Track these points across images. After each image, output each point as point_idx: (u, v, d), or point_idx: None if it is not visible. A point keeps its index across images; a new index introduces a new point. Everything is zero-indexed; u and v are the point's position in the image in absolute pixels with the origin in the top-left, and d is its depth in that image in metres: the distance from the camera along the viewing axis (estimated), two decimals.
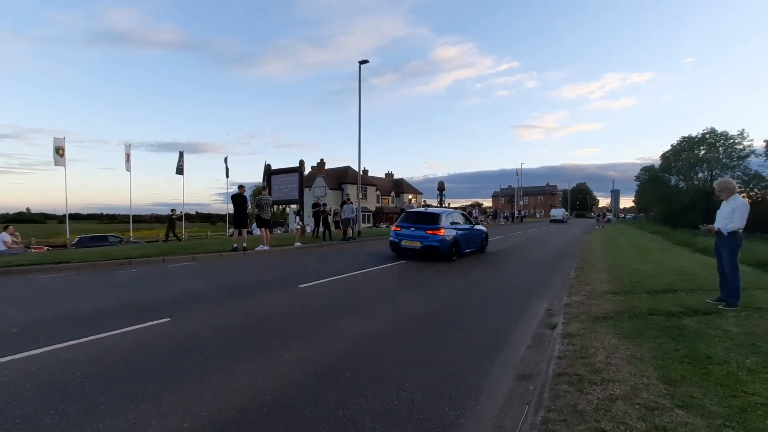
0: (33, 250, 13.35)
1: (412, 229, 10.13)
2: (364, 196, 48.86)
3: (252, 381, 2.88)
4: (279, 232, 31.45)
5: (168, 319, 4.39)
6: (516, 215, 44.58)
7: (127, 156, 25.87)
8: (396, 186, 64.13)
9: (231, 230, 17.79)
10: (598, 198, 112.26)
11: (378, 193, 57.60)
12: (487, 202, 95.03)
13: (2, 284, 6.76)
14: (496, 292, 6.39)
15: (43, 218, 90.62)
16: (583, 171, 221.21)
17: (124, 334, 3.91)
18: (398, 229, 10.44)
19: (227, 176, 32.63)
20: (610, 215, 54.35)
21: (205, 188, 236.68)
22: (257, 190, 40.61)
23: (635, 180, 56.04)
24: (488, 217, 40.06)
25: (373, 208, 53.63)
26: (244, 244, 10.99)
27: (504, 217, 41.97)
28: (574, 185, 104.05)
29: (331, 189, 49.25)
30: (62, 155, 20.49)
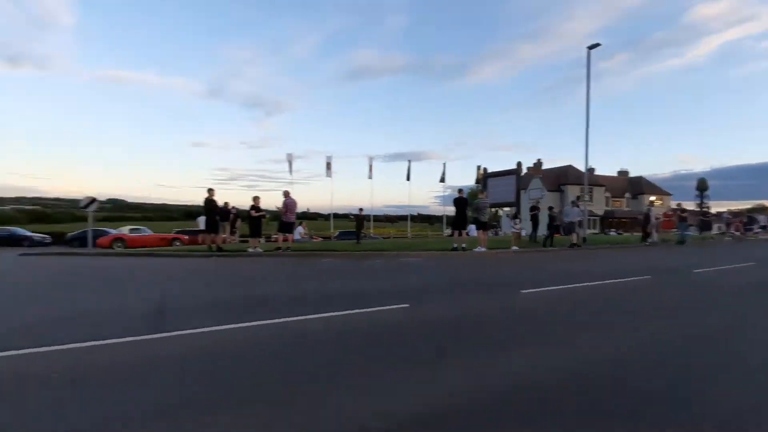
0: (315, 240, 18.18)
1: None
2: (590, 198, 42.81)
3: (479, 376, 3.03)
4: (491, 234, 31.52)
5: (407, 305, 5.16)
6: None
7: (370, 167, 31.71)
8: (633, 185, 53.33)
9: (449, 231, 18.96)
10: None
11: (607, 194, 49.43)
12: None
13: (302, 263, 9.54)
14: None
15: (315, 216, 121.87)
16: None
17: (372, 312, 4.85)
18: None
19: (443, 180, 35.19)
20: None
21: (426, 192, 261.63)
22: (472, 193, 41.82)
23: None
24: None
25: (600, 212, 46.43)
26: (464, 245, 11.60)
27: None
28: None
29: (549, 191, 45.63)
30: (329, 168, 27.13)
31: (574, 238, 14.96)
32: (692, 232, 21.67)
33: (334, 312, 4.72)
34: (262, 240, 13.82)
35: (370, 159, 32.19)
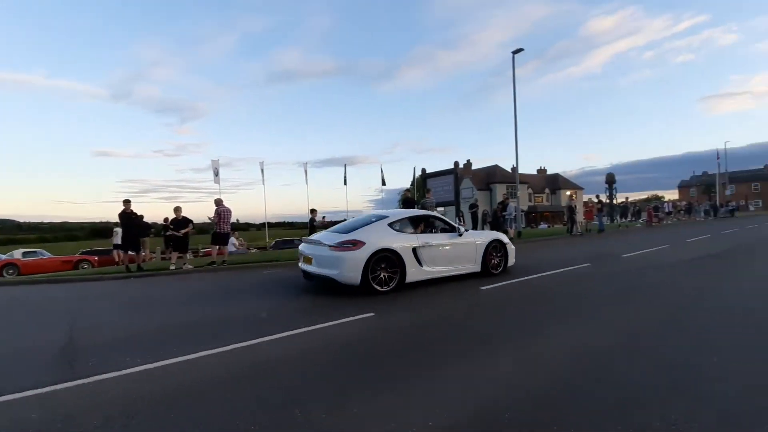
0: (251, 251, 16.87)
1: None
2: (515, 195, 45.95)
3: (459, 392, 2.72)
4: None
5: (372, 314, 4.72)
6: (724, 208, 34.71)
7: (305, 172, 30.57)
8: (551, 182, 58.45)
9: None
10: None
11: (530, 191, 53.45)
12: (671, 195, 77.67)
13: (241, 276, 8.58)
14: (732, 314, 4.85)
15: (246, 226, 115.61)
16: None
17: (332, 325, 4.35)
18: None
19: (384, 184, 35.27)
20: None
21: (359, 196, 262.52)
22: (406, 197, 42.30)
23: None
24: (680, 212, 32.40)
25: (525, 207, 49.98)
26: None
27: (704, 211, 33.26)
28: None
29: (479, 189, 48.05)
30: (263, 174, 25.60)
31: (510, 232, 15.65)
32: (605, 221, 23.80)
33: (295, 330, 4.12)
34: (189, 255, 12.36)
35: (305, 165, 31.10)
